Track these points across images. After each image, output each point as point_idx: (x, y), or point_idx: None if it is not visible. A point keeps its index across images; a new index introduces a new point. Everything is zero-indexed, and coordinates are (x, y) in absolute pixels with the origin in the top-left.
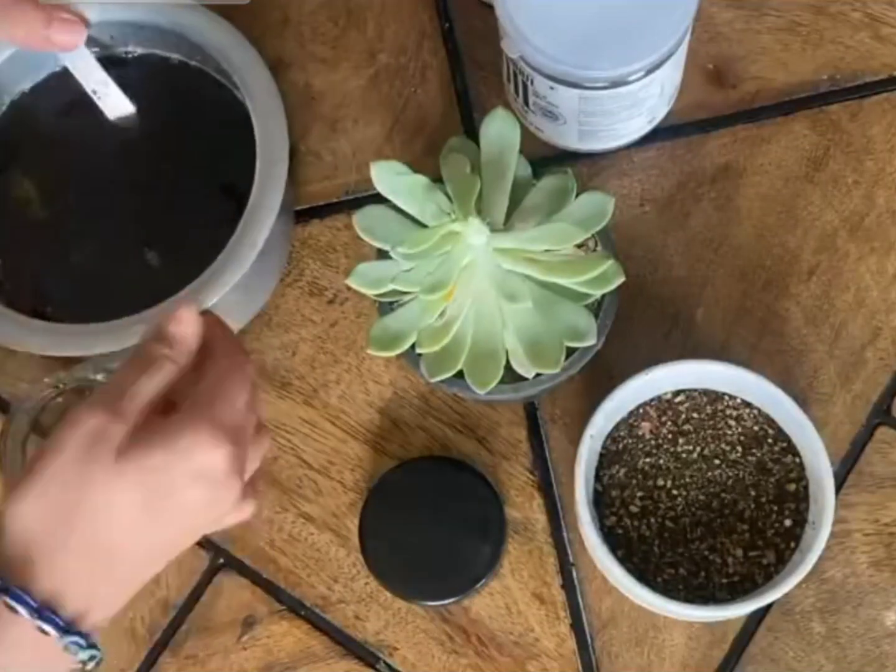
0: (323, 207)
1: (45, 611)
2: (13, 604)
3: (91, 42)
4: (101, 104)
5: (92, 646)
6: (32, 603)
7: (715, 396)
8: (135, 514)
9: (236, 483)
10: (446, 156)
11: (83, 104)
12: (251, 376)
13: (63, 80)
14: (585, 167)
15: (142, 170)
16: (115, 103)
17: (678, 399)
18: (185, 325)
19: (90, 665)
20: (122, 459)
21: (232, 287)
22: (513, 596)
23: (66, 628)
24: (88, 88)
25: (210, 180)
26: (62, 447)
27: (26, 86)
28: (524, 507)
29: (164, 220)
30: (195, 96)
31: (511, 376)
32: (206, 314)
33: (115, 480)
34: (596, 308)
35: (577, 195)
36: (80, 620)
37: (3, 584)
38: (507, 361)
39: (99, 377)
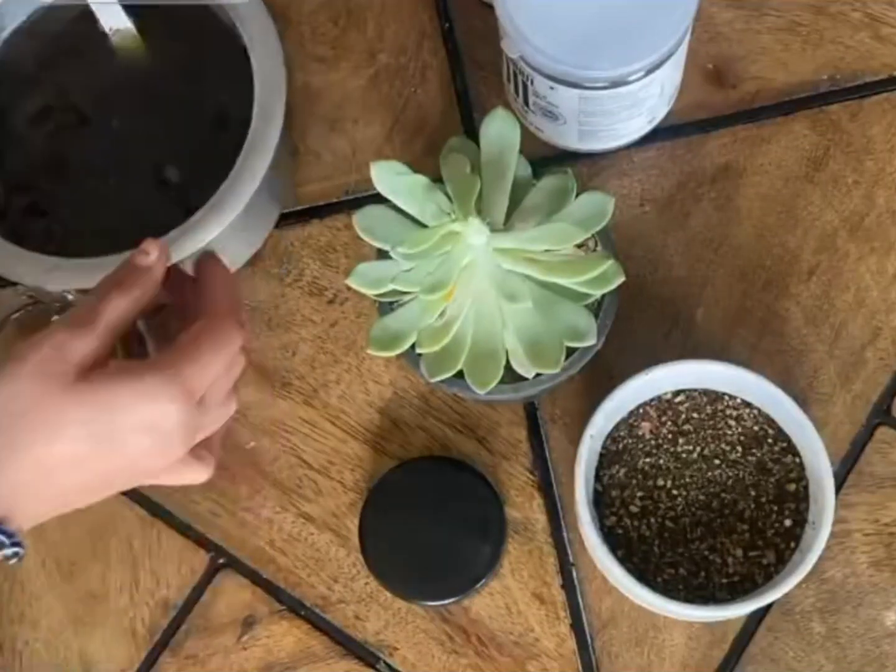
0: (323, 207)
1: None
2: None
3: None
4: (98, 12)
5: (16, 543)
6: None
7: (715, 396)
8: (78, 440)
9: (183, 442)
10: (446, 156)
11: (79, 33)
12: (235, 342)
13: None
14: (585, 167)
15: (143, 98)
16: (113, 14)
17: (678, 399)
18: (149, 256)
19: (13, 561)
20: (81, 381)
21: (230, 224)
22: (513, 596)
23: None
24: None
25: (208, 111)
26: (23, 356)
27: (19, 21)
28: (524, 507)
29: (166, 150)
30: (196, 31)
31: (511, 376)
32: (206, 257)
33: (68, 401)
34: (596, 308)
35: (577, 195)
36: (5, 521)
37: None
38: (507, 361)
39: (71, 297)
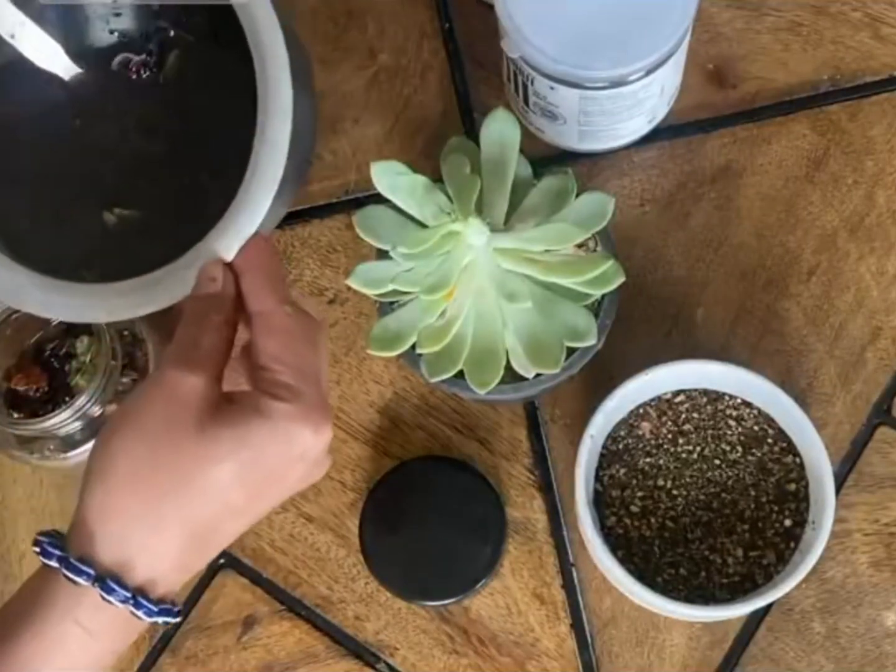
0: (323, 207)
1: (138, 597)
2: (108, 597)
3: None
4: (21, 49)
5: (178, 613)
6: (127, 594)
7: (715, 396)
8: (229, 491)
9: (330, 456)
10: (446, 156)
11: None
12: (321, 330)
13: None
14: (585, 167)
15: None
16: (39, 47)
17: (678, 399)
18: (216, 281)
19: (171, 621)
20: (209, 423)
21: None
22: (513, 596)
23: (157, 610)
24: (4, 34)
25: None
26: (140, 411)
27: None
28: (524, 507)
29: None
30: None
31: (511, 376)
32: (253, 245)
33: (204, 449)
34: (596, 308)
35: (577, 195)
36: (167, 595)
37: (97, 575)
38: (507, 361)
39: None
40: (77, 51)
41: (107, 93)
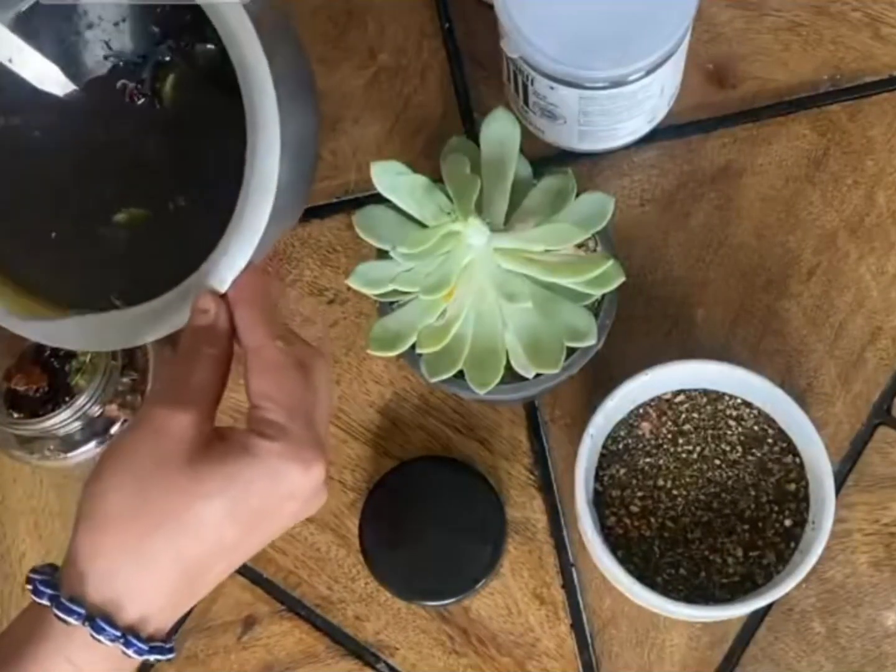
0: (323, 207)
1: (129, 636)
2: (98, 636)
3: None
4: (20, 72)
5: (170, 649)
6: (117, 633)
7: (715, 396)
8: (220, 527)
9: (325, 491)
10: (446, 156)
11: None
12: (323, 368)
13: None
14: (585, 167)
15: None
16: (37, 69)
17: (678, 399)
18: (208, 312)
19: (165, 658)
20: (199, 459)
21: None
22: (513, 596)
23: (149, 648)
24: (2, 58)
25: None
26: (127, 449)
27: None
28: (524, 507)
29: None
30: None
31: (511, 376)
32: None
33: (194, 485)
34: (596, 308)
35: (577, 195)
36: (159, 633)
37: (87, 615)
38: (507, 361)
39: None
40: (74, 75)
41: (103, 118)
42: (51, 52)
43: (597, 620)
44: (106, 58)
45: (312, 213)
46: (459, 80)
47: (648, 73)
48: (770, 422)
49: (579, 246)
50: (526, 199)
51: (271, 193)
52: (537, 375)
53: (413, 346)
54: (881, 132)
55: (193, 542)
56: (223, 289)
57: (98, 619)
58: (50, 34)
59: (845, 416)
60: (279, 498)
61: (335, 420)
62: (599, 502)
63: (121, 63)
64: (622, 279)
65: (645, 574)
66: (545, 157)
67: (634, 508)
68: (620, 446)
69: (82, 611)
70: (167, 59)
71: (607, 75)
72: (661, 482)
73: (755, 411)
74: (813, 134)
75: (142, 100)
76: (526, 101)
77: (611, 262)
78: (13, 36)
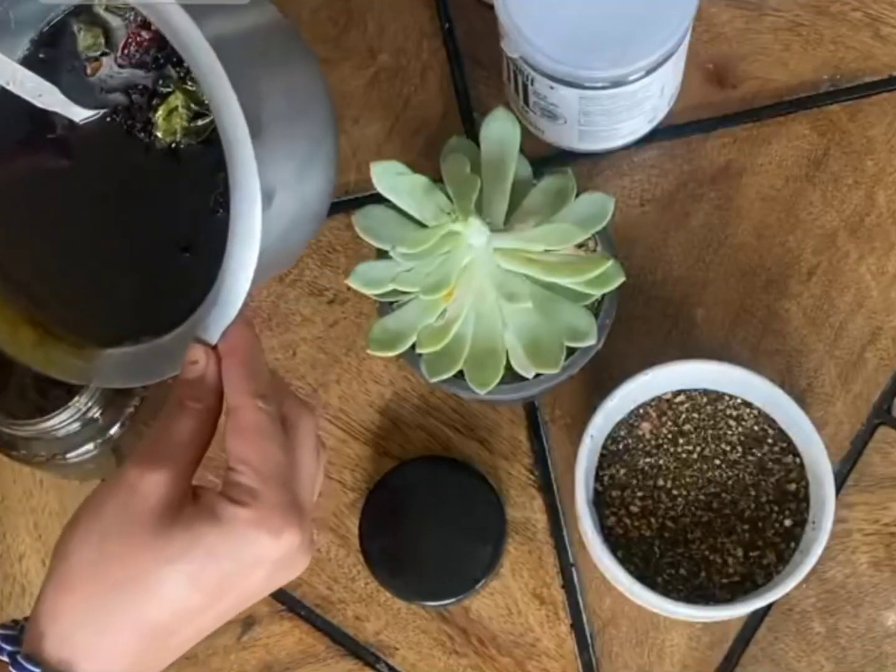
0: None
1: None
2: None
3: None
4: (20, 93)
5: None
6: None
7: (715, 396)
8: (184, 593)
9: (307, 553)
10: (446, 156)
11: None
12: (309, 420)
13: None
14: (585, 167)
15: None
16: (37, 88)
17: (678, 399)
18: (197, 364)
19: None
20: (169, 522)
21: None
22: (513, 596)
23: None
24: (1, 81)
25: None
26: (97, 505)
27: None
28: (524, 507)
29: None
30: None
31: (511, 376)
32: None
33: (160, 548)
34: (596, 308)
35: (577, 195)
36: None
37: None
38: (507, 361)
39: None
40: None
41: (99, 154)
42: (54, 82)
43: (597, 620)
44: (102, 91)
45: None
46: (459, 80)
47: (648, 73)
48: (770, 422)
49: (579, 246)
50: (526, 199)
51: (254, 251)
52: (537, 375)
53: (413, 346)
54: (881, 132)
55: (155, 605)
56: (213, 340)
57: None
58: (53, 66)
59: (845, 416)
60: (244, 566)
61: (335, 420)
62: (599, 502)
63: (120, 101)
64: (622, 279)
65: (645, 574)
66: (545, 157)
67: (634, 508)
68: (620, 446)
69: (37, 669)
70: (167, 89)
71: (607, 75)
72: (661, 482)
73: (755, 411)
74: (813, 134)
75: (142, 134)
76: (526, 101)
77: (611, 262)
78: (8, 60)
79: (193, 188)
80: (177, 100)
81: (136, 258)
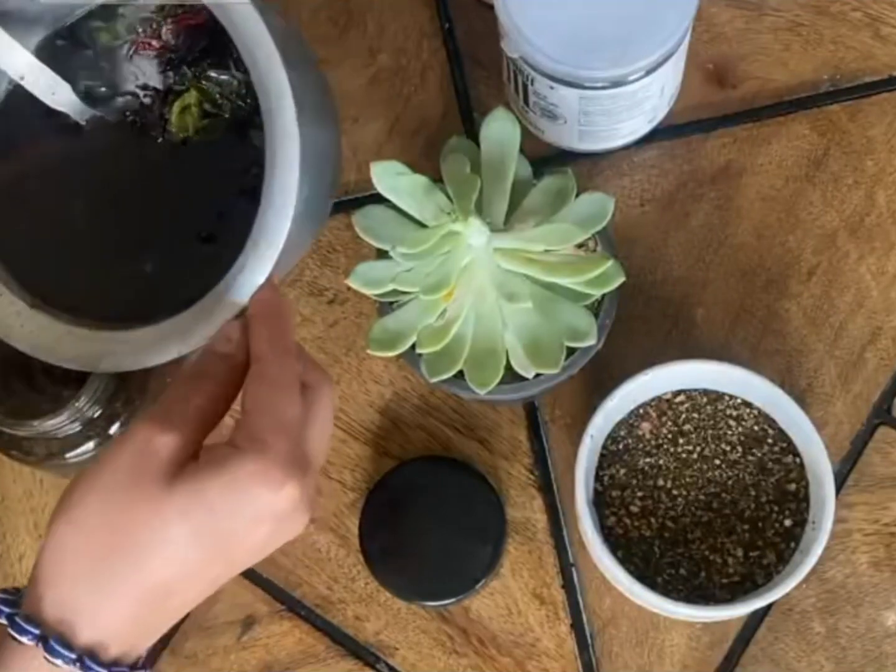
0: None
1: (86, 659)
2: (51, 658)
3: None
4: (32, 90)
5: (141, 668)
6: (71, 655)
7: (715, 396)
8: (188, 550)
9: (306, 510)
10: (446, 156)
11: None
12: (325, 388)
13: None
14: (585, 167)
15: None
16: (50, 87)
17: (678, 399)
18: (230, 342)
19: None
20: (174, 480)
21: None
22: (513, 596)
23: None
24: (15, 76)
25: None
26: (109, 460)
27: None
28: (524, 507)
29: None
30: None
31: (511, 376)
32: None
33: (167, 505)
34: (596, 308)
35: (577, 195)
36: (124, 657)
37: (40, 634)
38: (507, 361)
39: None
40: (90, 103)
41: (116, 150)
42: (67, 79)
43: (597, 620)
44: (119, 91)
45: None
46: (459, 80)
47: (648, 73)
48: (770, 422)
49: (579, 246)
50: (526, 199)
51: (290, 208)
52: (537, 375)
53: (413, 346)
54: (881, 132)
55: (156, 564)
56: (245, 299)
57: (52, 640)
58: (67, 63)
59: (845, 416)
60: (245, 521)
61: (335, 420)
62: (599, 502)
63: (136, 93)
64: (622, 279)
65: (645, 574)
66: (545, 157)
67: (634, 508)
68: (620, 446)
69: (37, 631)
70: (182, 87)
71: (607, 75)
72: (661, 482)
73: (755, 411)
74: (813, 134)
75: (154, 130)
76: (526, 101)
77: (611, 262)
78: (26, 52)
79: (206, 180)
80: (190, 97)
81: (150, 245)
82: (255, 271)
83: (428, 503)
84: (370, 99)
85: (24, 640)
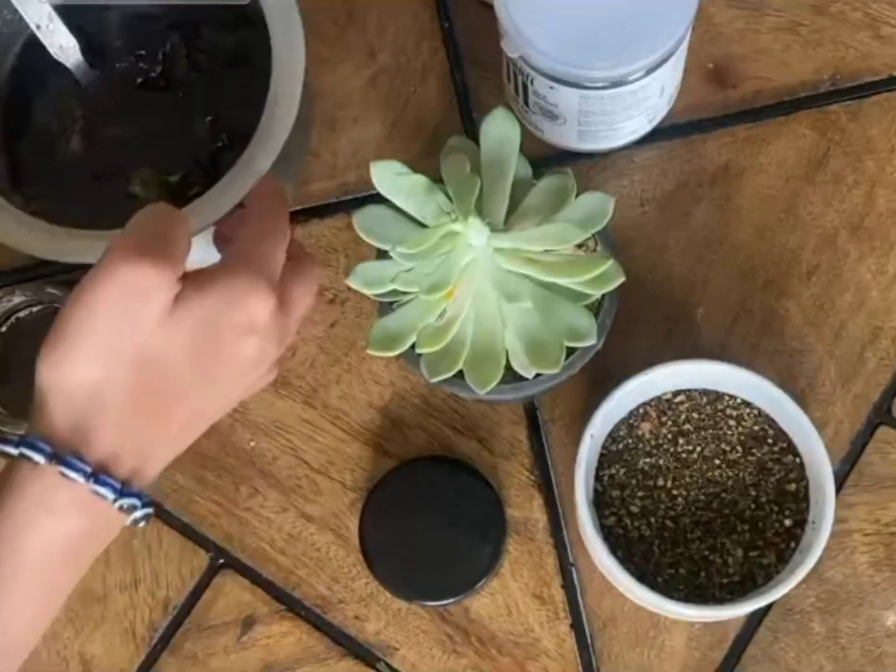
0: (323, 207)
1: (100, 474)
2: (67, 472)
3: None
4: (43, 40)
5: (147, 504)
6: (87, 468)
7: (715, 396)
8: (187, 367)
9: (279, 340)
10: (446, 156)
11: None
12: (313, 268)
13: None
14: (585, 167)
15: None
16: (60, 41)
17: (678, 399)
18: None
19: (142, 523)
20: (175, 309)
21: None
22: (513, 596)
23: (122, 490)
24: (32, 23)
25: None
26: (98, 300)
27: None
28: (524, 507)
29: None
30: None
31: (511, 376)
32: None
33: (169, 332)
34: (596, 308)
35: (577, 195)
36: (134, 479)
37: (53, 452)
38: (507, 361)
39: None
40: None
41: (116, 98)
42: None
43: (597, 620)
44: (120, 48)
45: (312, 213)
46: (459, 80)
47: (648, 72)
48: (770, 422)
49: (579, 246)
50: (526, 199)
51: (299, 82)
52: (537, 375)
53: (413, 346)
54: (881, 132)
55: (158, 382)
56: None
57: (66, 455)
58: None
59: (845, 416)
60: (239, 330)
61: (335, 420)
62: (599, 502)
63: (134, 53)
64: (622, 279)
65: (645, 574)
66: (545, 157)
67: (634, 508)
68: (620, 446)
69: (48, 448)
70: (179, 49)
71: (607, 75)
72: (661, 482)
73: (755, 411)
74: (813, 134)
75: (156, 84)
76: (526, 101)
77: (611, 262)
78: (46, 4)
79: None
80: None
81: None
82: (268, 141)
83: (428, 503)
84: (370, 99)
85: (36, 457)
